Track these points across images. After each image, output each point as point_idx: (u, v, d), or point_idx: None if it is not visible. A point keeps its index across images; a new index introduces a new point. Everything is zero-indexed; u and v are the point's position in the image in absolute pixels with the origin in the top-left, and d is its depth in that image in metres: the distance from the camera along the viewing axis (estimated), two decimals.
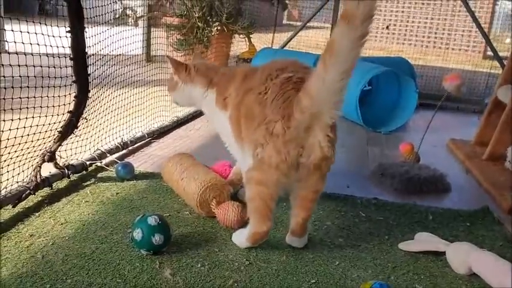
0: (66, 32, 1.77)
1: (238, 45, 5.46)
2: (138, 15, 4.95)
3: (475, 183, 2.47)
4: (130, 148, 2.52)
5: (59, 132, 1.90)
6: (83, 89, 1.88)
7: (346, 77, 1.32)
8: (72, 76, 1.86)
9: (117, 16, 4.47)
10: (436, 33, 11.64)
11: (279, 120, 1.40)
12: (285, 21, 17.55)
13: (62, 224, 1.66)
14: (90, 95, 2.03)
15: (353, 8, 1.24)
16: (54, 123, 1.90)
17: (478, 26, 4.74)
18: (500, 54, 5.27)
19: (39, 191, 1.85)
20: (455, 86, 2.20)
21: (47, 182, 1.89)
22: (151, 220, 1.49)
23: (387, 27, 11.89)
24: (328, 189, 2.14)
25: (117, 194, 1.95)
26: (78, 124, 1.94)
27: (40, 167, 1.87)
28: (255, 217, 1.52)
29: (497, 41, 10.80)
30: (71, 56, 1.80)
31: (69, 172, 2.02)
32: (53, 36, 1.83)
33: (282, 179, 1.44)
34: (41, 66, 1.80)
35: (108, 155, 2.30)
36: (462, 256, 1.53)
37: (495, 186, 2.30)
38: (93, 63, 2.15)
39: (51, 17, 1.93)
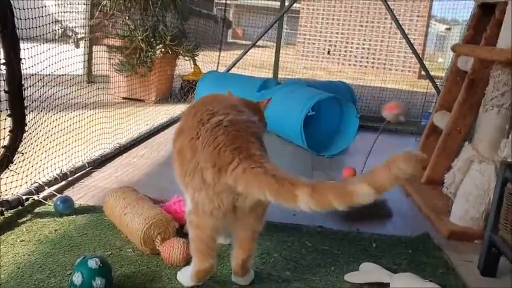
0: (1, 64, 1.69)
1: (184, 67, 5.44)
2: (79, 37, 4.82)
3: (415, 208, 2.55)
4: (70, 179, 2.41)
5: None
6: (18, 122, 1.79)
7: None
8: (7, 110, 1.77)
9: (56, 37, 4.35)
10: (374, 54, 12.11)
11: (209, 168, 1.39)
12: (229, 39, 17.70)
13: None
14: (27, 123, 1.94)
15: None
16: None
17: (412, 48, 4.97)
18: (434, 73, 5.53)
19: None
20: (393, 115, 2.29)
21: None
22: (92, 263, 1.43)
23: (328, 52, 12.24)
24: (275, 218, 2.15)
25: (55, 231, 1.86)
26: (14, 159, 1.84)
27: None
28: (197, 256, 1.51)
29: (431, 60, 11.37)
30: (6, 89, 1.72)
31: (3, 208, 1.91)
32: None
33: (219, 223, 1.45)
34: None
35: (46, 187, 2.19)
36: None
37: (434, 211, 2.38)
38: (29, 86, 2.07)
39: None
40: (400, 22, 5.02)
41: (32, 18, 2.36)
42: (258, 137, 1.47)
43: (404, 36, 4.92)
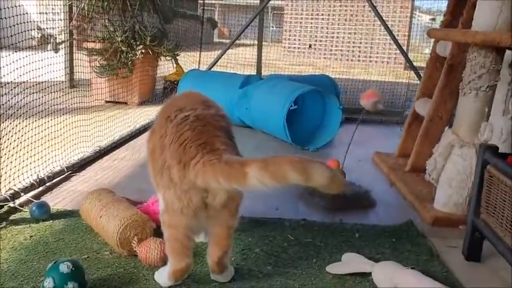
0: None
1: (165, 67, 5.39)
2: (58, 41, 4.75)
3: (399, 196, 2.53)
4: (48, 184, 2.36)
5: None
6: None
7: None
8: None
9: (35, 43, 4.29)
10: (359, 47, 12.10)
11: (175, 165, 1.37)
12: (215, 39, 17.64)
13: None
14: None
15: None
16: None
17: (394, 39, 4.96)
18: (420, 63, 5.51)
19: None
20: (371, 103, 2.25)
21: None
22: (64, 267, 1.39)
23: (310, 46, 12.22)
24: (257, 213, 2.13)
25: (31, 237, 1.81)
26: None
27: None
28: (173, 256, 1.48)
29: (416, 51, 11.39)
30: None
31: None
32: None
33: (191, 221, 1.42)
34: None
35: (22, 194, 2.15)
36: (387, 276, 1.54)
37: (418, 198, 2.36)
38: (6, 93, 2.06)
39: None
40: (383, 14, 5.02)
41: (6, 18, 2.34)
42: (226, 130, 1.45)
43: (386, 28, 4.91)
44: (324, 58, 12.06)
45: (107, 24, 4.70)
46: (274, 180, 1.25)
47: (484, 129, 2.04)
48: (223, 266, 1.53)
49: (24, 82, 2.56)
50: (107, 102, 4.70)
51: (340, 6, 12.16)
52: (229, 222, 1.49)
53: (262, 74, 5.55)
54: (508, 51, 2.33)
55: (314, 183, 1.26)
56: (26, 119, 2.49)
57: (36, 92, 2.66)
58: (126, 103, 4.74)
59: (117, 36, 4.59)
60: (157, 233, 1.78)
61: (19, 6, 2.86)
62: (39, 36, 4.25)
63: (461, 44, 2.45)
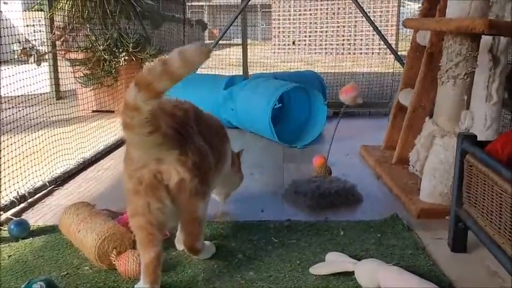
0: None
1: None
2: (40, 54, 4.71)
3: (386, 190, 2.50)
4: (29, 201, 2.33)
5: None
6: None
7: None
8: None
9: (16, 56, 4.27)
10: (349, 40, 12.07)
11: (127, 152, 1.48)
12: (206, 41, 17.61)
13: None
14: None
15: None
16: None
17: (376, 29, 4.94)
18: None
19: None
20: (351, 98, 2.21)
21: None
22: (37, 287, 1.36)
23: (293, 43, 12.20)
24: (242, 216, 2.11)
25: (9, 256, 1.78)
26: None
27: None
28: (141, 248, 1.50)
29: (408, 41, 11.28)
30: None
31: None
32: None
33: (153, 203, 1.44)
34: None
35: (1, 212, 2.11)
36: (370, 274, 1.51)
37: (404, 190, 2.33)
38: None
39: None
40: (371, 4, 4.99)
41: None
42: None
43: (368, 19, 4.88)
44: (314, 53, 12.04)
45: (88, 33, 4.66)
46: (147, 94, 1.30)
47: (465, 118, 2.01)
48: (196, 249, 1.62)
49: (4, 96, 2.54)
50: (93, 111, 4.67)
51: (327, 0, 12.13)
52: (190, 208, 1.51)
53: (252, 72, 5.53)
54: (486, 37, 2.31)
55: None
56: (5, 133, 2.46)
57: (15, 105, 2.63)
58: (113, 111, 4.70)
59: (98, 45, 4.56)
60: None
61: (6, 20, 2.84)
62: (19, 49, 4.22)
63: (440, 32, 2.42)
